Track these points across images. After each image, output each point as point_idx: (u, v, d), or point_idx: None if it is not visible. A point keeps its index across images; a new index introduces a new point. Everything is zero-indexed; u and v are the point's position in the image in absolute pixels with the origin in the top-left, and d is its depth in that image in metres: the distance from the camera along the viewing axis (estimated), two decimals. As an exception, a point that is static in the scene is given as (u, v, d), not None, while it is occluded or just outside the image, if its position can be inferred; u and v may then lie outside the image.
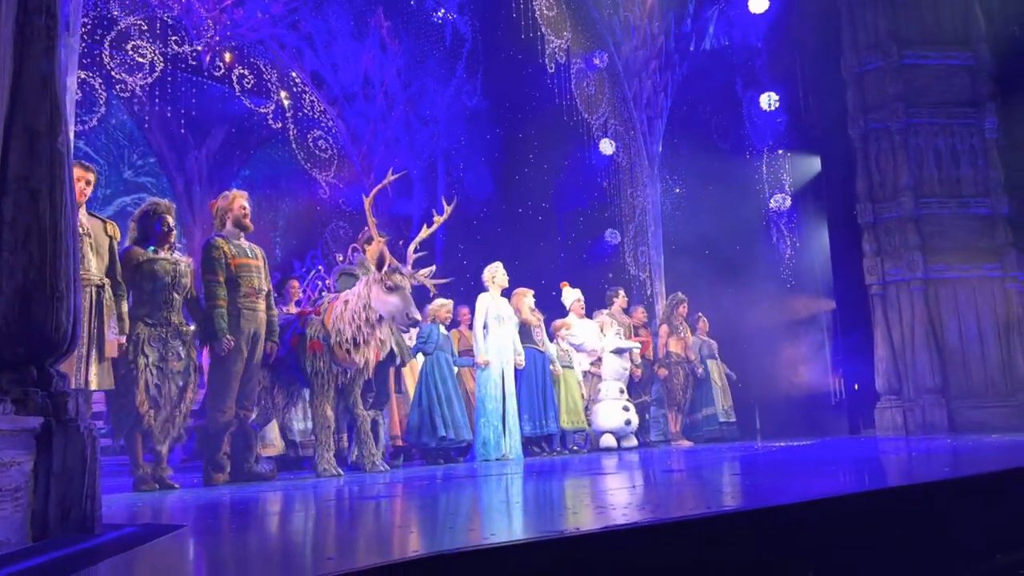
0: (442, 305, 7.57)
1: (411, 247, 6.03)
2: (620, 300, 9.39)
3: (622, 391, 8.67)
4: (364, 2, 11.29)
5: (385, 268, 5.61)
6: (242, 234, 5.56)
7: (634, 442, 8.56)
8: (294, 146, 11.32)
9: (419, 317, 5.70)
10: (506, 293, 7.95)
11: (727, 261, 11.20)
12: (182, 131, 11.73)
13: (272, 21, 10.53)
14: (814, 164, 11.43)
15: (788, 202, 11.64)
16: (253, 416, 5.71)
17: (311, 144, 11.37)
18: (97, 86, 9.14)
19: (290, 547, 2.38)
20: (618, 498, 3.16)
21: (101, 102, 9.28)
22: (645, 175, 11.36)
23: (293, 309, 7.15)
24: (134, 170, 12.67)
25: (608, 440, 8.49)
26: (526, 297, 8.14)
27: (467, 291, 11.70)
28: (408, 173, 12.30)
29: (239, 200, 5.58)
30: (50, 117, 2.61)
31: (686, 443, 9.40)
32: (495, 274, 7.69)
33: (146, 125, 11.76)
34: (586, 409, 8.53)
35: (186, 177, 12.52)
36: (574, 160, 12.13)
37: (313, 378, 5.72)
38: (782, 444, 7.94)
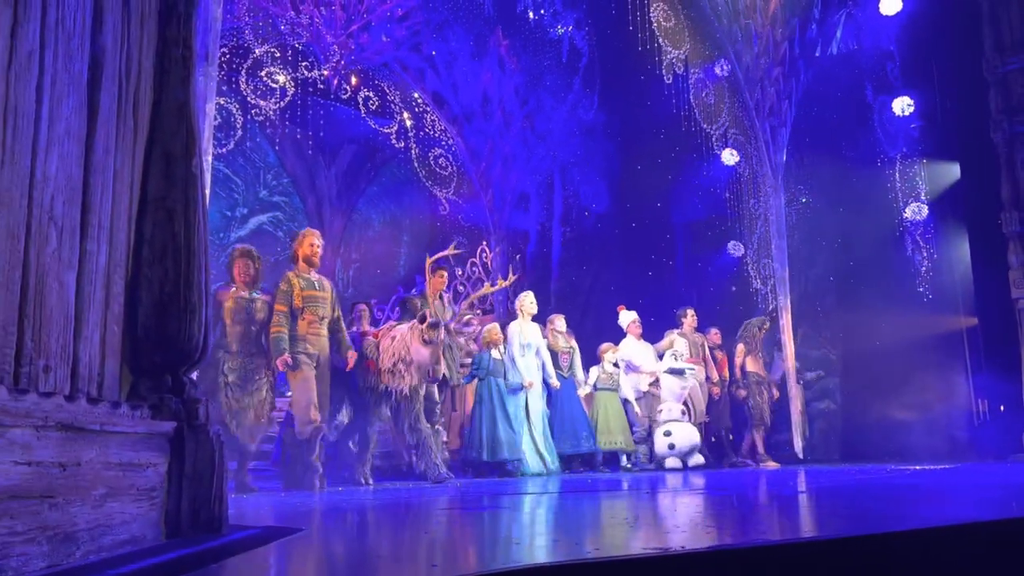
0: (490, 330, 8.07)
1: (467, 302, 6.88)
2: (689, 320, 9.47)
3: (683, 412, 8.68)
4: (484, 22, 11.50)
5: (427, 323, 6.18)
6: (312, 269, 6.22)
7: (700, 460, 8.43)
8: (416, 164, 11.64)
9: (439, 376, 6.39)
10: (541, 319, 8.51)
11: (858, 274, 10.69)
12: (312, 152, 12.28)
13: (395, 44, 10.88)
14: (952, 171, 10.77)
15: (925, 211, 11.00)
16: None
17: (432, 162, 11.67)
18: (234, 111, 9.71)
19: (409, 552, 2.44)
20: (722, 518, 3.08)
21: (238, 126, 9.85)
22: (768, 185, 11.01)
23: (367, 328, 7.53)
24: (269, 190, 13.35)
25: (677, 461, 8.38)
26: (555, 323, 8.58)
27: (583, 304, 11.67)
28: (525, 189, 12.46)
29: (309, 239, 6.27)
30: (185, 142, 2.81)
31: (773, 464, 9.17)
32: (523, 303, 8.16)
33: (279, 147, 12.38)
34: (648, 430, 8.72)
35: (317, 196, 13.10)
36: (693, 171, 11.92)
37: (366, 394, 6.37)
38: (916, 468, 7.49)
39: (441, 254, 6.89)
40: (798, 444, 10.06)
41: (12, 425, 1.86)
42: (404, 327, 6.42)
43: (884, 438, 10.41)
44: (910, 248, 11.03)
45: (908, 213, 11.07)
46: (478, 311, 6.83)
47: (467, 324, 6.97)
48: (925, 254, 10.94)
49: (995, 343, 9.83)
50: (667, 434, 8.41)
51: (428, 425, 6.58)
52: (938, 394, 10.35)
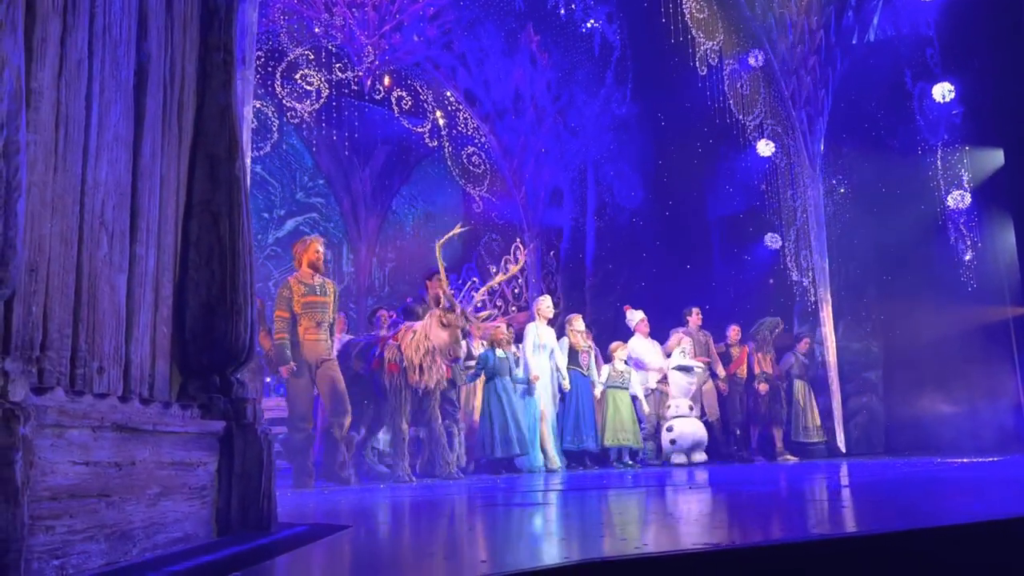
0: (496, 329, 8.25)
1: (480, 291, 7.19)
2: (695, 318, 9.61)
3: (691, 407, 8.86)
4: (515, 19, 11.50)
5: (440, 306, 6.44)
6: (315, 274, 6.27)
7: (704, 457, 8.71)
8: (449, 163, 11.70)
9: (460, 355, 6.57)
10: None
11: (899, 264, 10.52)
12: (347, 153, 12.39)
13: (427, 44, 10.93)
14: (996, 157, 10.53)
15: (968, 199, 10.77)
16: (346, 426, 6.28)
17: (465, 160, 11.72)
18: (270, 114, 9.84)
19: (455, 548, 2.45)
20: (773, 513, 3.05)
21: (274, 129, 9.97)
22: (806, 175, 10.86)
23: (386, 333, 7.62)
24: (305, 191, 13.48)
25: (682, 457, 8.64)
26: (575, 323, 8.74)
27: (617, 299, 11.61)
28: (558, 185, 12.45)
29: (315, 245, 6.36)
30: (228, 145, 2.85)
31: (791, 458, 9.41)
32: (540, 306, 8.54)
33: (314, 148, 12.50)
34: (657, 426, 8.93)
35: (352, 196, 13.19)
36: (728, 163, 11.80)
37: (392, 395, 6.52)
38: (964, 461, 7.36)
39: (448, 235, 7.06)
40: (839, 438, 9.97)
41: (70, 426, 1.90)
42: (423, 319, 6.67)
43: (928, 431, 10.25)
44: (953, 237, 10.82)
45: (951, 201, 10.85)
46: (512, 308, 6.96)
47: (483, 309, 7.26)
48: (969, 243, 10.72)
49: (1043, 332, 9.61)
50: (669, 430, 8.67)
51: (440, 423, 6.84)
52: (984, 386, 10.14)
